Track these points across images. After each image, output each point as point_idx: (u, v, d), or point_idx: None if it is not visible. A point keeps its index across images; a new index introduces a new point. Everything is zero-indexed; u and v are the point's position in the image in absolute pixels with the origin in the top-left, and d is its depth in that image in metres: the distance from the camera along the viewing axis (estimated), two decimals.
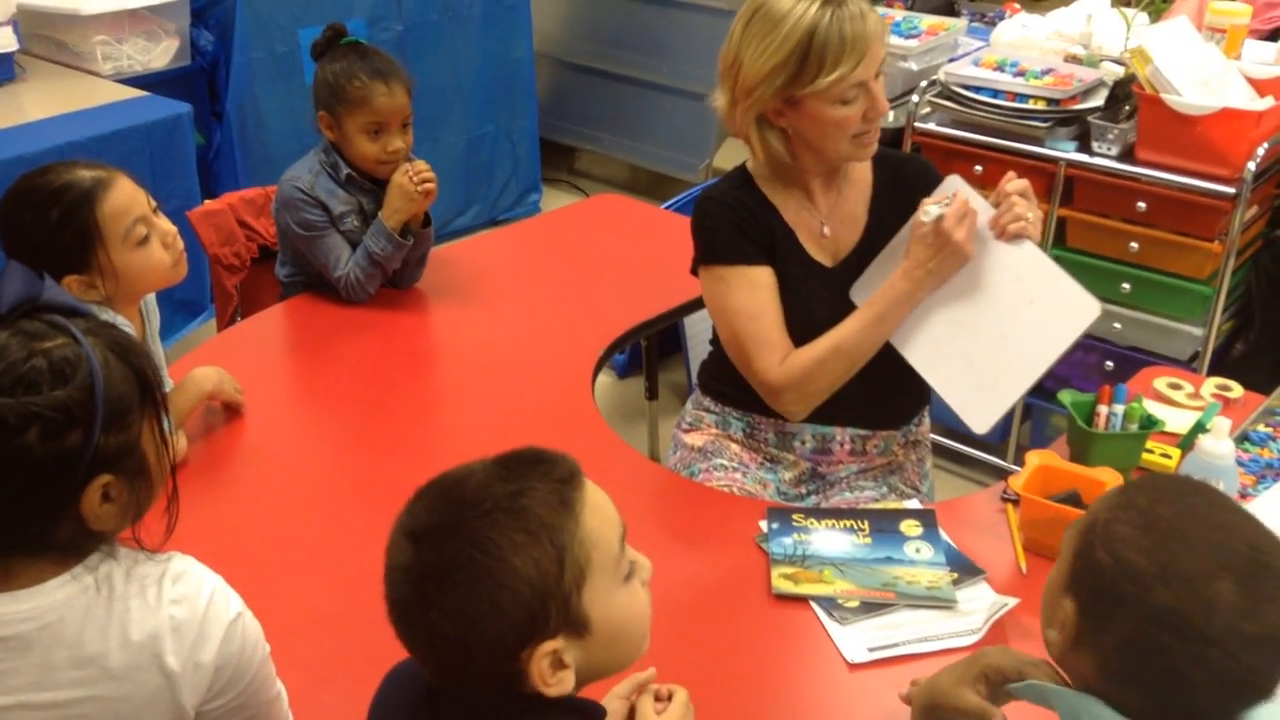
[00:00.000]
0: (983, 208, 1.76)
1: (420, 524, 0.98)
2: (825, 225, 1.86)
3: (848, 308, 1.81)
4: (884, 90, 1.75)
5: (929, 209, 1.71)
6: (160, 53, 3.39)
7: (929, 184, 1.81)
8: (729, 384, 1.89)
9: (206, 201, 2.56)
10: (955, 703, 1.15)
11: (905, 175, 1.88)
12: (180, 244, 1.80)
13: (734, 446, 1.95)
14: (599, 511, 1.02)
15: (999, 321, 1.74)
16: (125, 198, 1.71)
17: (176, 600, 1.11)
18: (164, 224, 1.78)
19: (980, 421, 1.76)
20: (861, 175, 1.89)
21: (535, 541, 0.96)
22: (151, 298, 1.92)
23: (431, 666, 1.01)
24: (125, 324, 1.74)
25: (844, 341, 1.78)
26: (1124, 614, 0.95)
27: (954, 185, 1.79)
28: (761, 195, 1.85)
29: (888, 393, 1.85)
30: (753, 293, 1.81)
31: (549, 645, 0.97)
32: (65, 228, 1.67)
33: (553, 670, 0.98)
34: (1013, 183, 1.74)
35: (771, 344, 1.80)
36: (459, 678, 1.00)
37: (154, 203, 1.77)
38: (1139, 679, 0.96)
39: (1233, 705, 0.95)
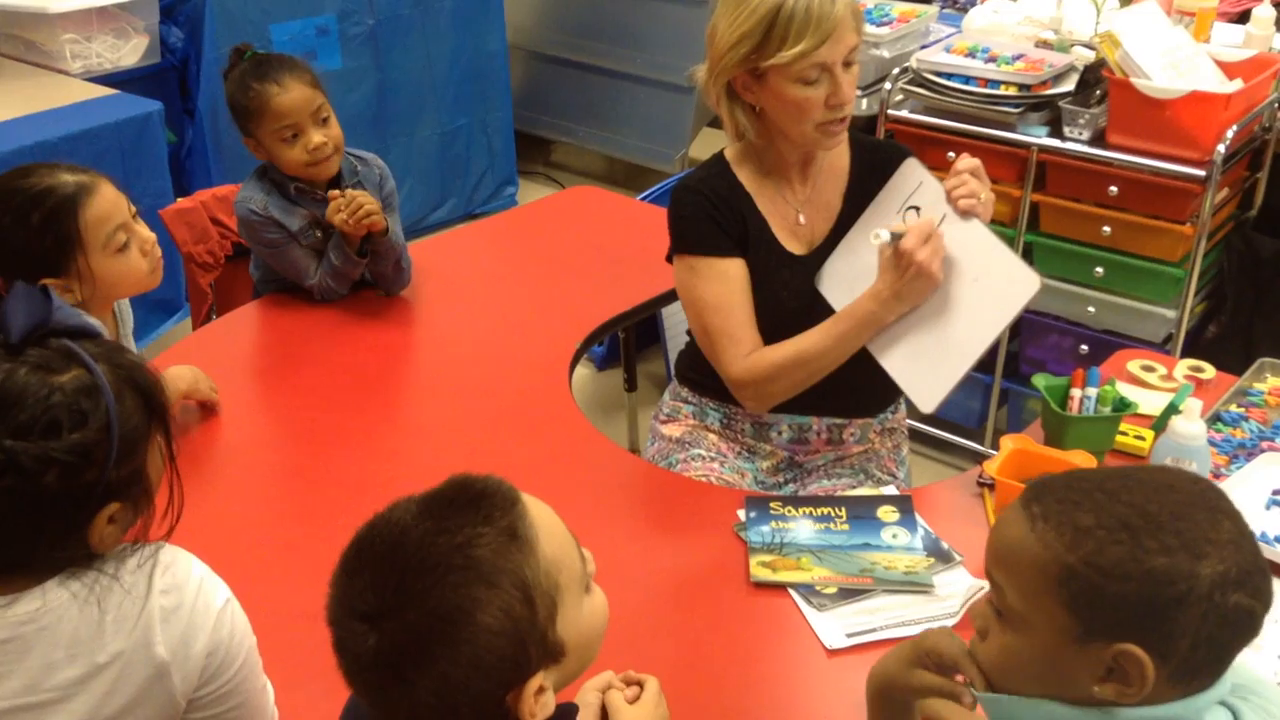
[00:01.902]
0: (936, 188, 1.76)
1: (370, 605, 0.93)
2: (800, 213, 1.87)
3: (818, 296, 1.82)
4: (854, 81, 1.75)
5: (879, 232, 1.69)
6: (130, 50, 3.37)
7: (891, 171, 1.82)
8: (706, 374, 1.89)
9: (179, 200, 2.55)
10: (911, 683, 1.12)
11: (881, 162, 1.87)
12: (158, 251, 1.80)
13: (711, 437, 1.96)
14: (551, 533, 0.99)
15: (946, 300, 1.74)
16: (108, 204, 1.71)
17: (165, 590, 1.12)
18: (143, 231, 1.77)
19: (928, 401, 1.76)
20: (839, 163, 1.89)
21: (499, 591, 0.93)
22: (125, 299, 1.91)
23: None
24: (98, 325, 1.73)
25: (806, 351, 1.78)
26: (1184, 609, 0.90)
27: (911, 171, 1.80)
28: (737, 183, 1.86)
29: (862, 381, 1.86)
30: (722, 285, 1.82)
31: (534, 683, 0.96)
32: (46, 232, 1.66)
33: (537, 700, 0.97)
34: (963, 161, 1.75)
35: (737, 338, 1.81)
36: None
37: (134, 208, 1.77)
38: (1217, 652, 0.94)
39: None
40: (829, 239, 1.87)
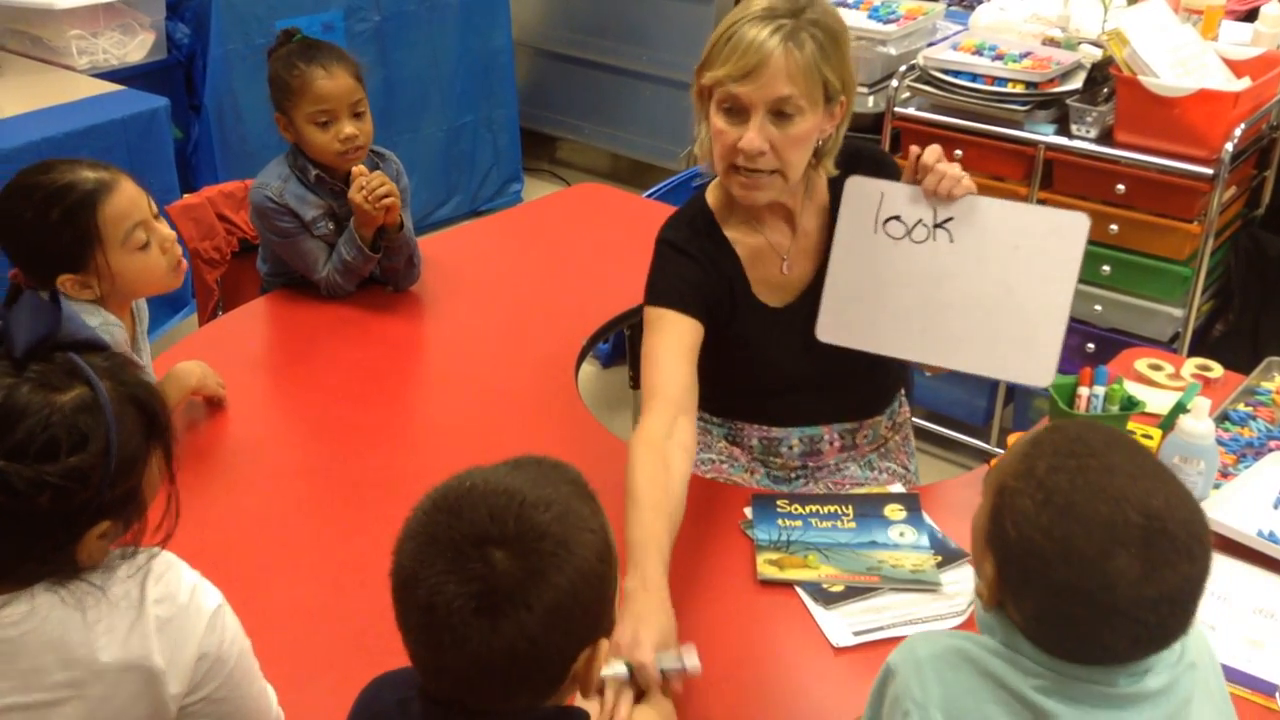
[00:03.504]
0: (908, 191, 1.72)
1: (493, 531, 0.97)
2: (785, 262, 1.80)
3: (804, 346, 1.76)
4: (788, 141, 1.61)
5: (661, 658, 1.27)
6: (136, 46, 3.37)
7: (881, 174, 1.76)
8: (708, 388, 1.74)
9: (185, 196, 2.55)
10: None
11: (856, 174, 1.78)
12: (178, 250, 1.80)
13: (720, 443, 1.91)
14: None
15: (997, 281, 1.70)
16: (127, 201, 1.71)
17: (159, 600, 1.12)
18: (164, 229, 1.78)
19: (1041, 375, 1.69)
20: (820, 202, 1.81)
21: (597, 539, 1.01)
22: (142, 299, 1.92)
23: (472, 679, 0.99)
24: (116, 324, 1.74)
25: (632, 496, 1.47)
26: (1033, 587, 1.01)
27: (861, 188, 1.74)
28: (723, 239, 1.78)
29: (864, 382, 1.84)
30: (653, 337, 1.69)
31: (604, 643, 1.03)
32: (65, 228, 1.67)
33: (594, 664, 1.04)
34: (927, 154, 1.70)
35: (652, 390, 1.63)
36: (497, 689, 1.00)
37: (155, 207, 1.77)
38: (1058, 636, 1.02)
39: (1141, 652, 1.01)
40: (810, 286, 1.79)
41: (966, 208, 1.70)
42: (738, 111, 1.62)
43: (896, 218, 1.73)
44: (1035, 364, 1.70)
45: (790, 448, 1.88)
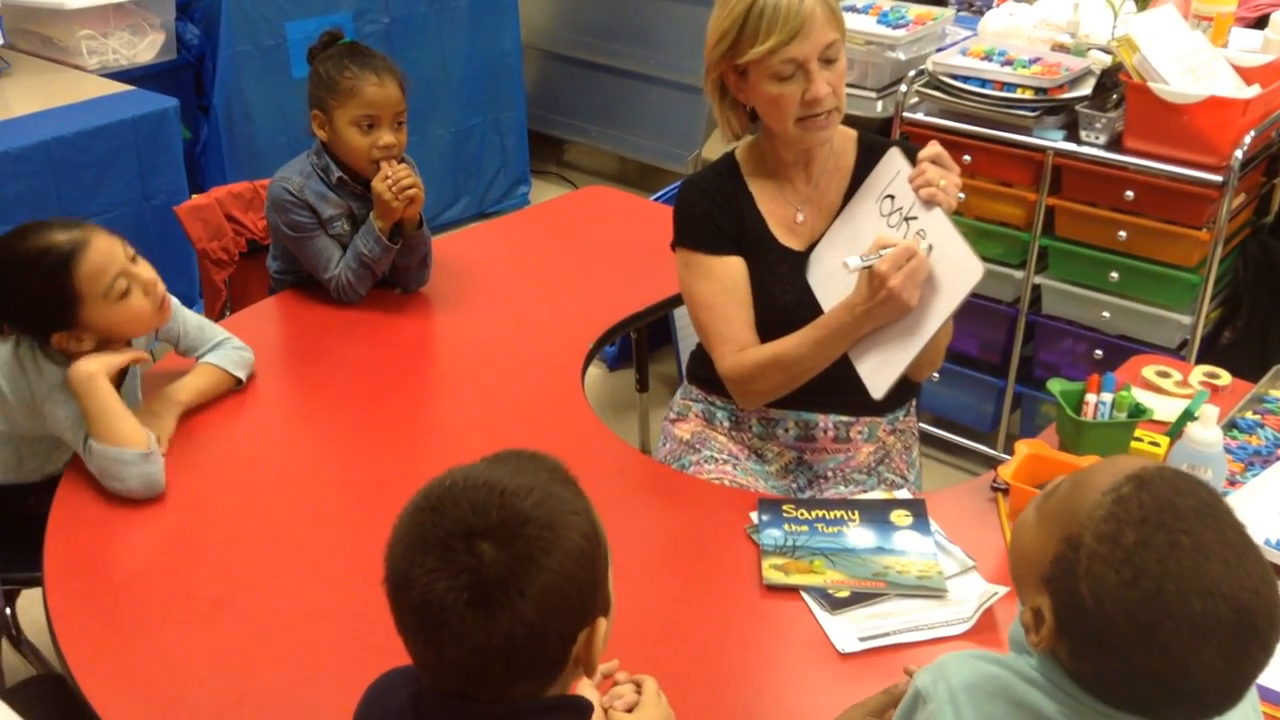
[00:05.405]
0: (907, 176, 1.76)
1: (477, 523, 0.97)
2: (800, 211, 1.88)
3: (812, 298, 1.83)
4: (837, 77, 1.75)
5: (847, 261, 1.70)
6: (146, 47, 3.38)
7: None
8: (716, 374, 1.89)
9: (194, 196, 2.55)
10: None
11: (880, 158, 1.85)
12: (161, 288, 1.84)
13: (720, 438, 1.96)
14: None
15: None
16: (101, 256, 1.75)
17: None
18: (144, 272, 1.81)
19: (879, 387, 1.77)
20: (843, 162, 1.90)
21: (582, 520, 1.02)
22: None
23: (475, 671, 0.99)
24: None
25: (785, 355, 1.80)
26: (1102, 656, 0.96)
27: (891, 160, 1.79)
28: (741, 180, 1.89)
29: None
30: (709, 284, 1.85)
31: (603, 622, 1.03)
32: (46, 291, 1.72)
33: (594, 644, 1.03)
34: (926, 149, 1.75)
35: (724, 336, 1.84)
36: (501, 678, 1.00)
37: (131, 250, 1.80)
38: (1112, 694, 0.99)
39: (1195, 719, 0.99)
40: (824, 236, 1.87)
41: (925, 210, 1.72)
42: (791, 72, 1.72)
43: (891, 196, 1.77)
44: (881, 374, 1.77)
45: (786, 430, 1.92)
